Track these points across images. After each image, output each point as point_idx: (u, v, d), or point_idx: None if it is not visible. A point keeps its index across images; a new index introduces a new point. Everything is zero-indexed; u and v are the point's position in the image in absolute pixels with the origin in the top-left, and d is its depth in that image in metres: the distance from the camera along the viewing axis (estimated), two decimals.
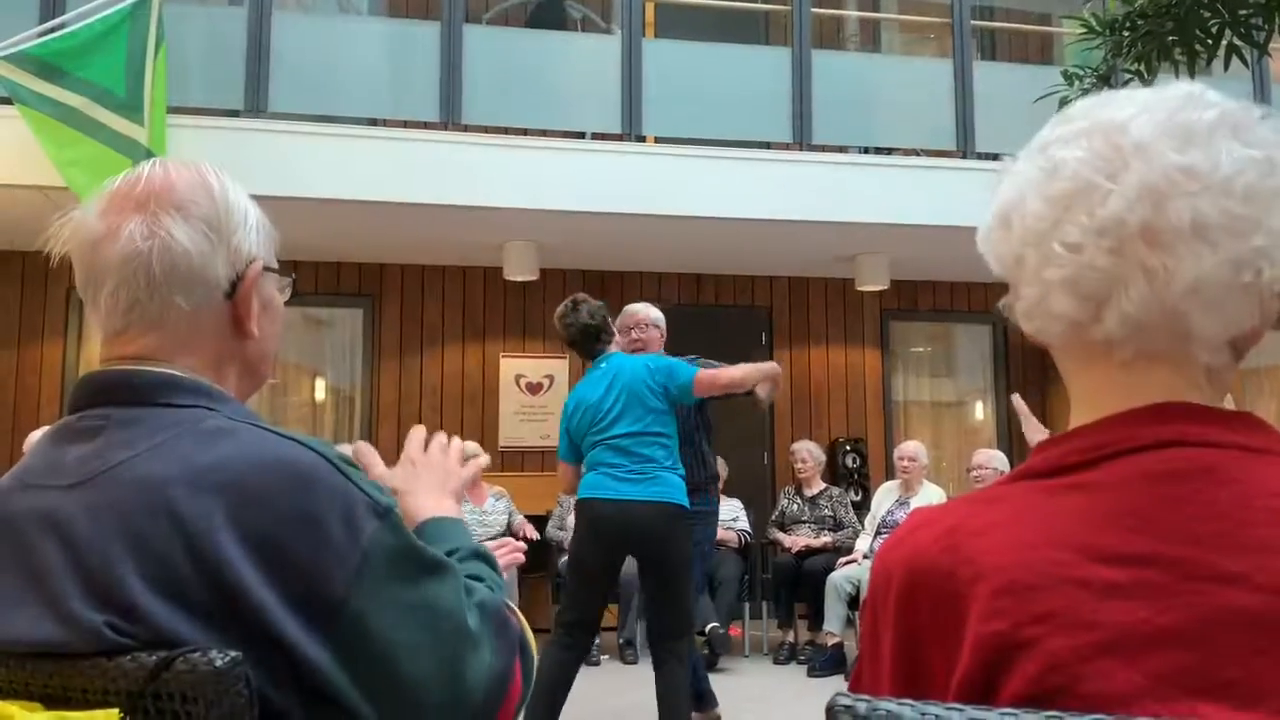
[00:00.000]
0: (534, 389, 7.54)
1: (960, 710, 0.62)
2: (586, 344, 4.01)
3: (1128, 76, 3.68)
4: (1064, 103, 3.73)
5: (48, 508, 0.95)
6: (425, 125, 6.12)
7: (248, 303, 1.06)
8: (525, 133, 6.35)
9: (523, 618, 1.13)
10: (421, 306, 7.51)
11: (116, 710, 0.84)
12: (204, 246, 1.03)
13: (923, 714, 0.62)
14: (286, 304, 1.16)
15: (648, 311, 4.49)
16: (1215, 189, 0.72)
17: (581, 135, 6.63)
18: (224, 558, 0.88)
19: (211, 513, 0.90)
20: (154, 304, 1.02)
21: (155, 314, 1.02)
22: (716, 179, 6.23)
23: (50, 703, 0.88)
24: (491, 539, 5.28)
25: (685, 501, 3.89)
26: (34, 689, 0.89)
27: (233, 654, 0.85)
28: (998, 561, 0.71)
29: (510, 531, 6.54)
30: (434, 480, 1.27)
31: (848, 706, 0.65)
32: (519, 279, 7.01)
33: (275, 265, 1.12)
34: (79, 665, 0.87)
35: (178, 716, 0.85)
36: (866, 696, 0.65)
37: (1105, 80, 3.73)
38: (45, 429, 4.28)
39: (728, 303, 7.96)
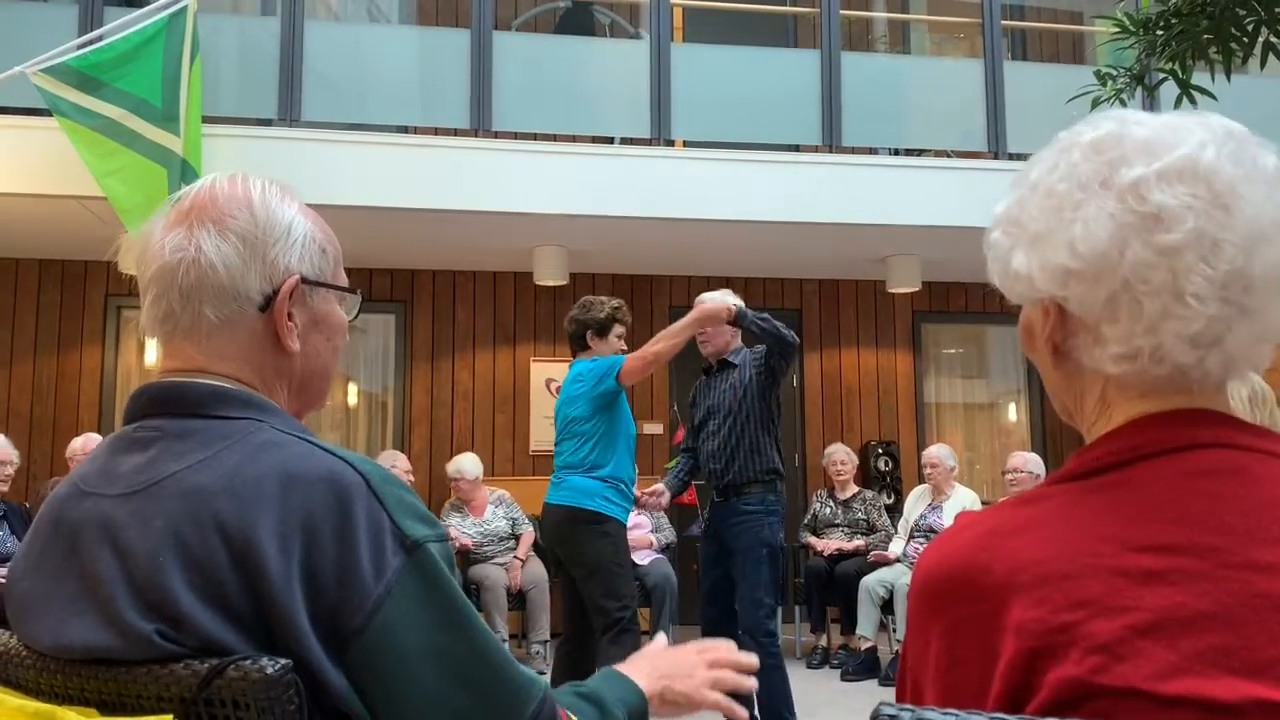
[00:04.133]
0: None
1: None
2: (570, 345, 4.33)
3: (1162, 76, 3.65)
4: (1096, 103, 3.71)
5: (102, 516, 0.97)
6: (456, 132, 6.16)
7: (282, 317, 1.06)
8: (555, 138, 6.37)
9: None
10: (453, 312, 7.55)
11: (170, 716, 0.86)
12: (233, 260, 1.04)
13: None
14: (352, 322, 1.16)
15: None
16: None
17: (610, 140, 6.65)
18: (266, 570, 0.89)
19: (256, 525, 0.91)
20: (185, 316, 1.04)
21: (187, 325, 1.04)
22: (746, 182, 6.23)
23: (105, 709, 0.89)
24: (499, 541, 5.39)
25: (591, 505, 3.99)
26: (89, 695, 0.90)
27: (284, 661, 0.86)
28: (1036, 555, 0.73)
29: (514, 537, 6.49)
30: (659, 661, 1.21)
31: (892, 717, 0.65)
32: (549, 283, 7.03)
33: (330, 280, 1.11)
34: (133, 672, 0.89)
35: None
36: (910, 706, 0.66)
37: (1139, 80, 3.70)
38: (89, 435, 4.36)
39: (758, 305, 7.86)
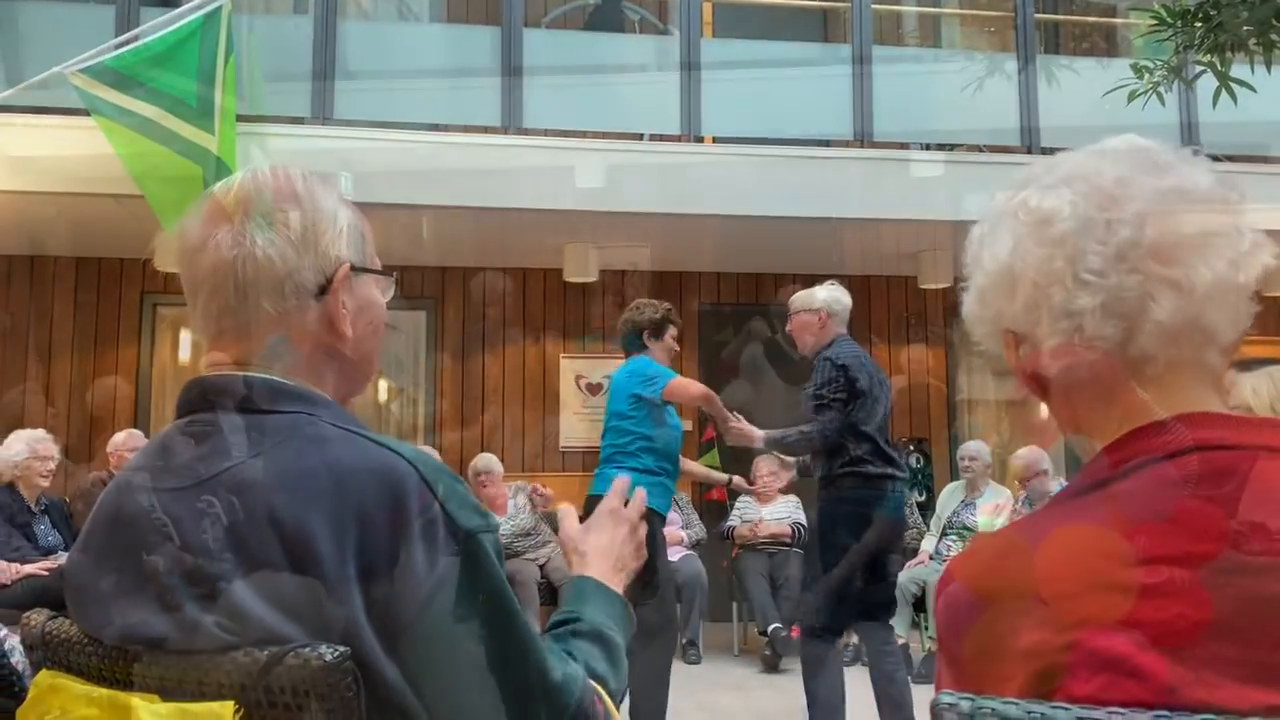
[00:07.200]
0: (594, 389, 7.57)
1: (1066, 709, 0.63)
2: (623, 345, 4.37)
3: (1200, 69, 3.61)
4: (1132, 96, 3.68)
5: (159, 509, 0.98)
6: (486, 129, 6.18)
7: (337, 305, 1.07)
8: (584, 135, 6.38)
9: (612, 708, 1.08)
10: (483, 308, 7.58)
11: (231, 703, 0.87)
12: (288, 253, 1.05)
13: (1028, 713, 0.62)
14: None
15: (803, 298, 4.43)
16: (1204, 202, 0.82)
17: (640, 136, 6.65)
18: (320, 565, 0.90)
19: (310, 521, 0.91)
20: (244, 310, 1.05)
21: (245, 320, 1.05)
22: (776, 178, 6.21)
23: (167, 695, 0.91)
24: (525, 536, 5.34)
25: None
26: (150, 682, 0.92)
27: (342, 649, 0.87)
28: (1041, 577, 0.75)
29: (548, 523, 6.46)
30: (609, 553, 1.32)
31: (951, 704, 0.65)
32: (578, 280, 7.05)
33: (371, 265, 1.13)
34: (194, 659, 0.90)
35: (289, 709, 0.87)
36: (971, 694, 0.66)
37: (1177, 73, 3.66)
38: (131, 431, 4.40)
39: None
